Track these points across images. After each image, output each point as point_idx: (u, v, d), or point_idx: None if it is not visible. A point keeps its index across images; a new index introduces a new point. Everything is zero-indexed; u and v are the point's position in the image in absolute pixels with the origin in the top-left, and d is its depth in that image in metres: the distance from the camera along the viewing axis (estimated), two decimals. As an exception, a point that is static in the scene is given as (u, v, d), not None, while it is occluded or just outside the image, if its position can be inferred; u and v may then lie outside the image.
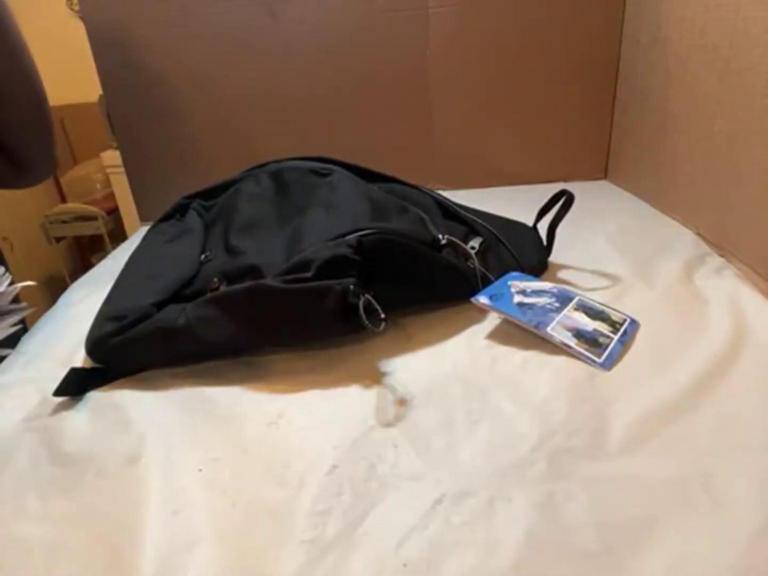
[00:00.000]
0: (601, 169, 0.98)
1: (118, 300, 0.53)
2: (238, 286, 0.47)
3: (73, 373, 0.47)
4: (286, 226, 0.57)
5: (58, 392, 0.45)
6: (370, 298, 0.44)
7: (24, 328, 0.59)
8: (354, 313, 0.44)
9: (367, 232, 0.49)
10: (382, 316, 0.44)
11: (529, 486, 0.34)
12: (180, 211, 0.70)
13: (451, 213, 0.63)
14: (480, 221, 0.63)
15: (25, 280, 0.52)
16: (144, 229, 0.86)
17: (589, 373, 0.45)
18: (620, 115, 0.92)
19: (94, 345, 0.48)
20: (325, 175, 0.62)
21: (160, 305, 0.49)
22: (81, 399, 0.46)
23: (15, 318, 0.49)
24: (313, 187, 0.61)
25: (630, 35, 0.86)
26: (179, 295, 0.52)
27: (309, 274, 0.45)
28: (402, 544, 0.31)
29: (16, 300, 0.50)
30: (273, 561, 0.31)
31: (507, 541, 0.31)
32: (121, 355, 0.48)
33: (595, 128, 0.95)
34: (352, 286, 0.44)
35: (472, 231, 0.61)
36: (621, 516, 0.32)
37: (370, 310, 0.44)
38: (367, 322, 0.43)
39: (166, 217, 0.69)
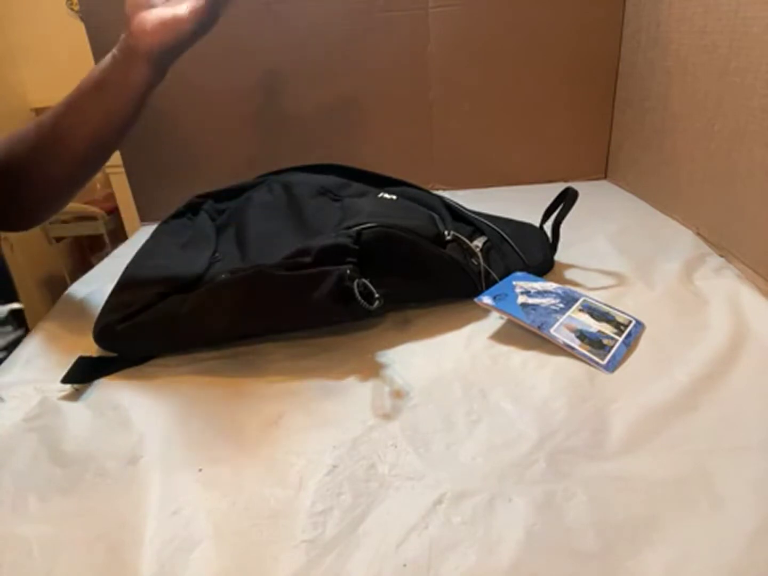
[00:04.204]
0: (601, 169, 0.98)
1: (125, 291, 0.54)
2: (237, 275, 0.49)
3: (81, 361, 0.48)
4: (298, 236, 0.58)
5: (65, 380, 0.46)
6: (366, 282, 0.46)
7: (25, 329, 0.59)
8: (351, 298, 0.45)
9: (368, 225, 0.51)
10: (376, 295, 0.45)
11: (529, 486, 0.34)
12: (192, 210, 0.70)
13: (458, 214, 0.64)
14: (485, 221, 0.63)
15: (26, 280, 0.52)
16: (144, 229, 0.87)
17: (589, 373, 0.45)
18: (620, 115, 0.92)
19: (101, 331, 0.49)
20: (338, 200, 0.65)
21: (165, 296, 0.51)
22: (81, 398, 0.46)
23: (1, 342, 0.49)
24: (326, 208, 0.63)
25: (630, 35, 0.86)
26: (186, 290, 0.53)
27: (308, 259, 0.47)
28: (402, 544, 0.31)
29: (9, 321, 0.50)
30: (273, 561, 0.31)
31: (507, 541, 0.31)
32: (127, 342, 0.49)
33: (595, 128, 0.95)
34: (348, 271, 0.46)
35: (477, 230, 0.62)
36: (621, 516, 0.32)
37: (366, 295, 0.45)
38: (361, 299, 0.44)
39: (178, 215, 0.70)
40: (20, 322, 0.56)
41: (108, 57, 0.53)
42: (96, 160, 0.58)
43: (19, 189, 0.56)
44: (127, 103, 0.53)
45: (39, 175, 0.55)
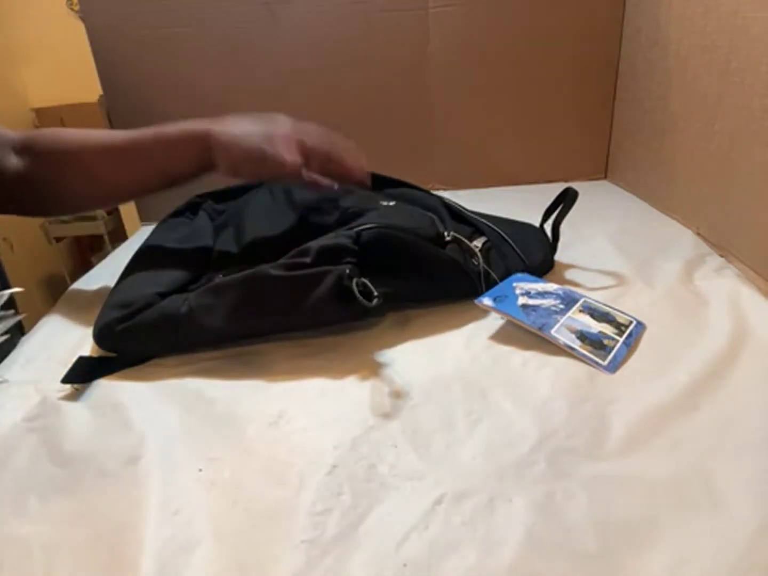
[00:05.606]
0: (601, 169, 0.98)
1: (125, 290, 0.54)
2: (237, 275, 0.49)
3: (81, 361, 0.48)
4: (297, 238, 0.58)
5: (65, 380, 0.46)
6: (366, 281, 0.46)
7: (21, 332, 0.59)
8: (350, 297, 0.45)
9: (368, 226, 0.51)
10: (375, 293, 0.45)
11: (529, 486, 0.34)
12: (191, 209, 0.70)
13: (458, 215, 0.64)
14: (484, 221, 0.63)
15: (26, 280, 0.52)
16: (144, 229, 0.86)
17: (589, 373, 0.45)
18: (620, 115, 0.92)
19: (101, 331, 0.49)
20: (337, 207, 0.66)
21: (164, 296, 0.51)
22: (81, 398, 0.46)
23: (3, 326, 0.49)
24: (326, 212, 0.63)
25: (630, 35, 0.86)
26: (184, 290, 0.53)
27: (307, 260, 0.47)
28: (402, 544, 0.31)
29: (7, 306, 0.50)
30: (273, 561, 0.31)
31: (507, 541, 0.31)
32: (127, 342, 0.49)
33: (595, 128, 0.95)
34: (347, 270, 0.46)
35: (477, 231, 0.62)
36: (621, 516, 0.32)
37: (366, 295, 0.45)
38: (360, 297, 0.44)
39: (177, 213, 0.70)
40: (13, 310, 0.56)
41: (181, 132, 0.60)
42: (121, 201, 0.64)
43: (44, 193, 0.59)
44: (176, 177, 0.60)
45: (65, 187, 0.58)
